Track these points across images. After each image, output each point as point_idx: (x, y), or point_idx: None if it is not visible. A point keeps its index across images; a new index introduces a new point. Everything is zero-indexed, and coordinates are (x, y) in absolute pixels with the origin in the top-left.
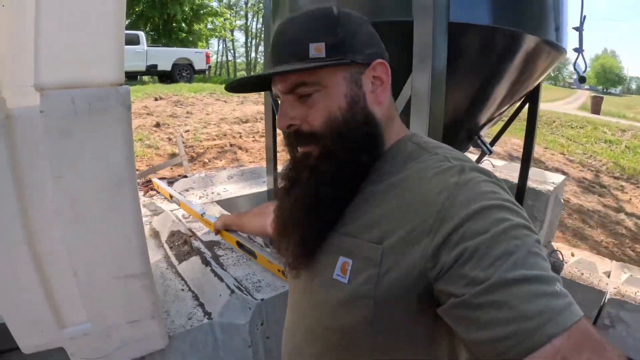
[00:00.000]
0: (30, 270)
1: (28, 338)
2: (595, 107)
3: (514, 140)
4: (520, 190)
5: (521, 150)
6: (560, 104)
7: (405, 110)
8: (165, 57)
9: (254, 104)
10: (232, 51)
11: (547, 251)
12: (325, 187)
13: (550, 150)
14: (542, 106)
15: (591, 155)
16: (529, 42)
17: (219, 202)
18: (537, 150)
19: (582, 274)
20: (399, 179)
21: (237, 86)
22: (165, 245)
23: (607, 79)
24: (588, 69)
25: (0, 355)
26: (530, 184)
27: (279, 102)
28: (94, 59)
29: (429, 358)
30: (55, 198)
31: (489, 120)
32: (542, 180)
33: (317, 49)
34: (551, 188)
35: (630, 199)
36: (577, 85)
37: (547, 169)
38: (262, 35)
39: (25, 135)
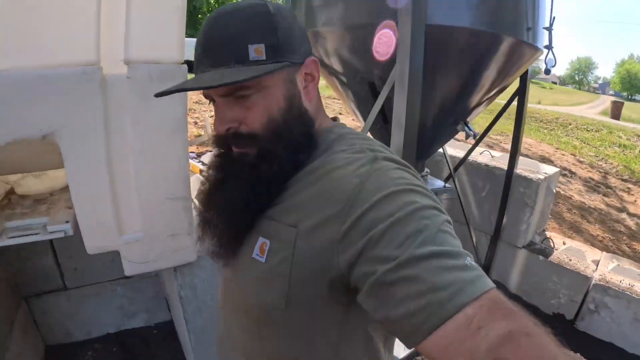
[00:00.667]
0: (105, 186)
1: (93, 240)
2: (615, 112)
3: (525, 139)
4: (508, 177)
5: (529, 148)
6: (582, 108)
7: (390, 94)
8: (189, 47)
9: None
10: None
11: (540, 238)
12: (264, 185)
13: (561, 151)
14: (562, 109)
15: (602, 158)
16: (505, 42)
17: None
18: (548, 150)
19: (570, 260)
20: (317, 166)
21: (172, 91)
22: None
23: (632, 85)
24: (557, 64)
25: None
26: (523, 172)
27: (213, 104)
28: (165, 43)
29: (339, 338)
30: (132, 136)
31: (473, 108)
32: (535, 170)
33: (257, 51)
34: (542, 177)
35: (636, 201)
36: (552, 81)
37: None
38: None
39: (115, 94)
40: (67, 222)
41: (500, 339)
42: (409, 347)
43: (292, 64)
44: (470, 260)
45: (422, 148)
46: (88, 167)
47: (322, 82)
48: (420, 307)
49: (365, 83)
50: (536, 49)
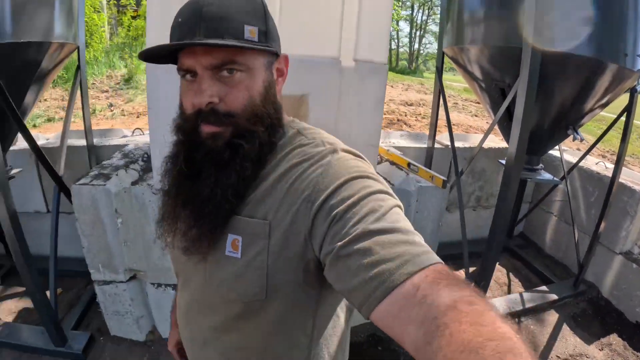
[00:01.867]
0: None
1: None
2: None
3: None
4: (611, 185)
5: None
6: None
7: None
8: None
9: (417, 92)
10: (396, 40)
11: (638, 249)
12: (250, 167)
13: None
14: None
15: None
16: (609, 68)
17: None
18: None
19: None
20: (282, 160)
21: (150, 56)
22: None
23: None
24: None
25: None
26: (628, 183)
27: (189, 78)
28: (377, 49)
29: (314, 322)
30: (353, 103)
31: (581, 117)
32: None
33: (251, 32)
34: None
35: None
36: None
37: None
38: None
39: (346, 77)
40: None
41: (445, 307)
42: (365, 317)
43: (274, 54)
44: (420, 239)
45: (538, 144)
46: (322, 121)
47: (463, 84)
48: (372, 276)
49: (497, 89)
50: (634, 72)
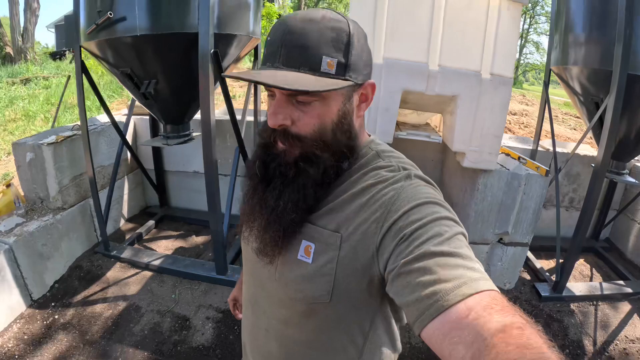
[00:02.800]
0: (470, 125)
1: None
2: None
3: None
4: None
5: None
6: None
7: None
8: None
9: (519, 103)
10: None
11: None
12: (311, 188)
13: None
14: None
15: None
16: None
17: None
18: None
19: None
20: (357, 180)
21: (245, 79)
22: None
23: None
24: None
25: None
26: None
27: (270, 95)
28: (506, 65)
29: (371, 325)
30: (489, 103)
31: None
32: None
33: (329, 65)
34: None
35: None
36: None
37: None
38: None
39: (484, 85)
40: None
41: (495, 330)
42: (417, 333)
43: (354, 84)
44: (479, 267)
45: (624, 152)
46: (465, 115)
47: (562, 98)
48: (428, 294)
49: (592, 102)
50: None
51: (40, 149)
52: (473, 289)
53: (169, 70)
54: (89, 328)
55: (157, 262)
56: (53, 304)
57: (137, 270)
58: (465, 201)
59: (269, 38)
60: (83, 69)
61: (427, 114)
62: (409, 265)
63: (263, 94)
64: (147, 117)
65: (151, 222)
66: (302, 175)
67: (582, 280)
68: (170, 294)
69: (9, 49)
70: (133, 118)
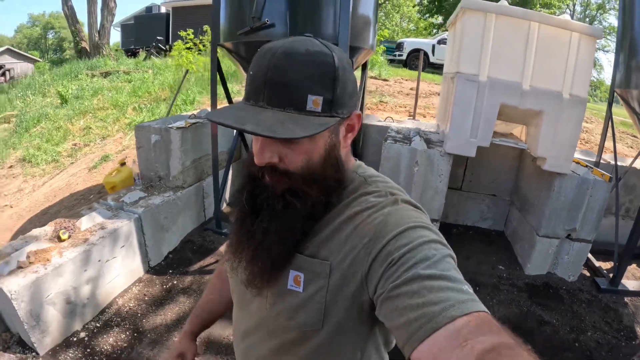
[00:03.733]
0: (552, 132)
1: (548, 158)
2: None
3: None
4: None
5: None
6: None
7: None
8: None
9: None
10: None
11: None
12: (299, 222)
13: None
14: None
15: None
16: None
17: None
18: None
19: None
20: (346, 207)
21: (225, 124)
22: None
23: None
24: None
25: None
26: None
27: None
28: (582, 87)
29: (362, 350)
30: (566, 117)
31: None
32: None
33: (315, 103)
34: None
35: None
36: None
37: None
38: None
39: (564, 104)
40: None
41: (485, 350)
42: (407, 356)
43: (341, 119)
44: (467, 288)
45: None
46: (548, 127)
47: (623, 118)
48: (416, 317)
49: None
50: None
51: (168, 132)
52: (461, 310)
53: None
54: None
55: None
56: (170, 271)
57: None
58: (541, 201)
59: (251, 72)
60: (218, 66)
61: (513, 125)
62: (398, 289)
63: None
64: None
65: None
66: (290, 208)
67: (635, 282)
68: None
69: (84, 44)
70: None
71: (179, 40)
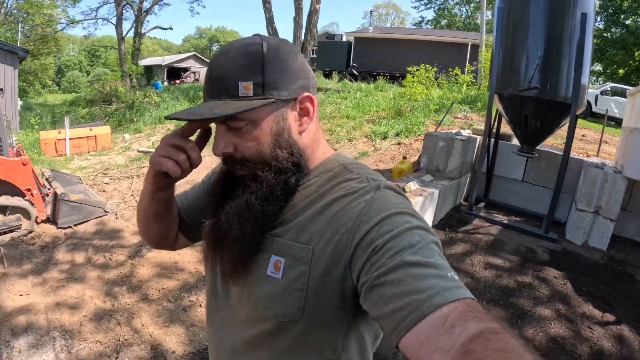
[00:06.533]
0: None
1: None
2: None
3: None
4: None
5: None
6: None
7: None
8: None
9: None
10: None
11: None
12: (257, 201)
13: None
14: None
15: None
16: None
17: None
18: None
19: None
20: (325, 193)
21: (173, 118)
22: None
23: None
24: None
25: None
26: None
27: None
28: None
29: (343, 343)
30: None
31: None
32: None
33: (245, 88)
34: None
35: None
36: None
37: None
38: None
39: None
40: None
41: (472, 336)
42: (394, 344)
43: (280, 101)
44: (453, 275)
45: None
46: None
47: None
48: (402, 305)
49: None
50: None
51: (453, 141)
52: (446, 298)
53: (544, 117)
54: (477, 243)
55: (505, 221)
56: (447, 229)
57: (488, 224)
58: None
59: (206, 74)
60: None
61: None
62: (382, 277)
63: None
64: (479, 137)
65: (482, 204)
66: (246, 191)
67: None
68: (516, 237)
69: None
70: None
71: (409, 75)
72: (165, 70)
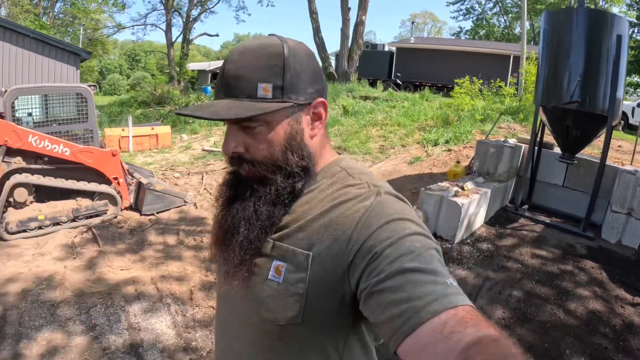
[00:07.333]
0: None
1: None
2: None
3: None
4: None
5: None
6: None
7: None
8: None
9: None
10: None
11: None
12: (264, 206)
13: None
14: None
15: None
16: None
17: None
18: None
19: None
20: (327, 198)
21: (186, 115)
22: None
23: None
24: None
25: None
26: None
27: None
28: None
29: (345, 344)
30: None
31: None
32: None
33: (265, 90)
34: None
35: None
36: None
37: None
38: None
39: None
40: None
41: (470, 342)
42: (392, 351)
43: (296, 105)
44: (452, 281)
45: None
46: None
47: None
48: (400, 312)
49: None
50: None
51: (502, 148)
52: (444, 305)
53: (583, 128)
54: (523, 237)
55: (547, 220)
56: (497, 225)
57: (532, 223)
58: None
59: (218, 72)
60: (539, 125)
61: None
62: (381, 283)
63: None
64: (524, 145)
65: (526, 206)
66: (254, 195)
67: None
68: (557, 235)
69: (331, 69)
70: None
71: (456, 86)
72: (209, 75)
